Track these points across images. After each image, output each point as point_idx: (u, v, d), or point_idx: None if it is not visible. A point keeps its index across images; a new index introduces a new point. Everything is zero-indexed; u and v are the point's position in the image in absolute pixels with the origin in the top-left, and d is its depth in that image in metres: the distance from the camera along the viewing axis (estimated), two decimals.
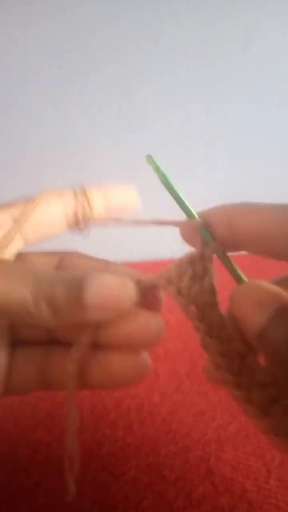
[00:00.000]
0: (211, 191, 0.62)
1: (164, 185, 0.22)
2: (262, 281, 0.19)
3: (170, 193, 0.22)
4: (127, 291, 0.19)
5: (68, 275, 0.18)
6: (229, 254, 0.22)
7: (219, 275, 0.22)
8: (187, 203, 0.22)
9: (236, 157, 0.60)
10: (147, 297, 0.21)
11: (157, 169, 0.22)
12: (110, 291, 0.18)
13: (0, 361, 0.22)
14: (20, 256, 0.24)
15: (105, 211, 0.25)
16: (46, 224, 0.24)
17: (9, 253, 0.23)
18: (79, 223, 0.25)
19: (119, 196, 0.27)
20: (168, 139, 0.57)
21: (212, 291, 0.20)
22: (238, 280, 0.21)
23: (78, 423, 0.22)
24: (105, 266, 0.24)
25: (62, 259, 0.25)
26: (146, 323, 0.20)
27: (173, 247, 0.65)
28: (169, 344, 0.41)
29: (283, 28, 0.53)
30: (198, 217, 0.21)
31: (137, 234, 0.64)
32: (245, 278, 0.21)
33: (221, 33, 0.52)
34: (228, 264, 0.21)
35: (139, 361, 0.21)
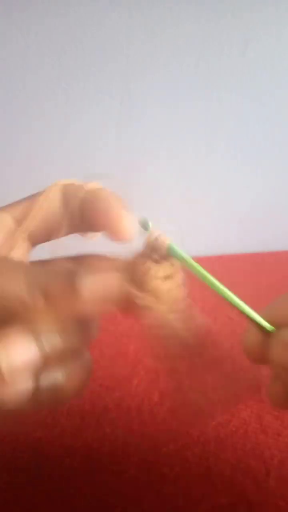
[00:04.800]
0: (211, 191, 0.62)
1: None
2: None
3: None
4: (122, 283, 0.19)
5: (62, 267, 0.19)
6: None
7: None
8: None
9: (236, 157, 0.60)
10: None
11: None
12: (106, 282, 0.18)
13: None
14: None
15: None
16: (52, 227, 0.22)
17: (16, 257, 0.22)
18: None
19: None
20: (168, 139, 0.57)
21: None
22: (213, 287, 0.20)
23: None
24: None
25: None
26: None
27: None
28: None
29: (282, 29, 0.54)
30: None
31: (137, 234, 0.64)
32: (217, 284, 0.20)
33: (220, 34, 0.52)
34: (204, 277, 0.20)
35: None
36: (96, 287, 0.18)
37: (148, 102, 0.54)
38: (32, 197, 0.23)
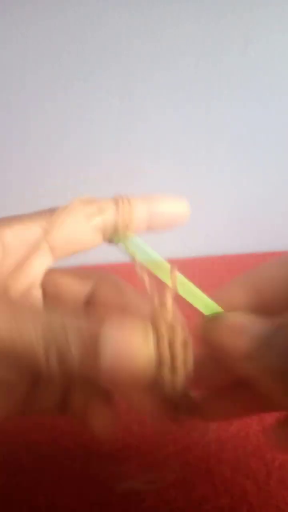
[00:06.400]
0: (211, 190, 0.62)
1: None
2: (237, 312, 0.19)
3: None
4: (146, 350, 0.16)
5: (83, 327, 0.16)
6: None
7: None
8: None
9: (236, 157, 0.60)
10: None
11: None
12: (128, 351, 0.15)
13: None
14: (48, 275, 0.22)
15: (147, 222, 0.23)
16: (77, 239, 0.21)
17: (37, 268, 0.21)
18: (117, 236, 0.22)
19: (166, 207, 0.24)
20: (168, 139, 0.57)
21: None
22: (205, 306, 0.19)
23: None
24: (136, 306, 0.21)
25: (94, 291, 0.23)
26: None
27: (173, 246, 0.65)
28: None
29: (283, 29, 0.53)
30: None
31: (137, 233, 0.63)
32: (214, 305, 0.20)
33: (221, 34, 0.52)
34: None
35: None
36: (121, 360, 0.15)
37: (148, 102, 0.54)
38: (53, 211, 0.22)
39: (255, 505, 0.27)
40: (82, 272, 0.23)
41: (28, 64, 0.50)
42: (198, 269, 0.59)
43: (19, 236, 0.20)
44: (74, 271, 0.23)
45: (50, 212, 0.22)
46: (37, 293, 0.22)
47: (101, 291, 0.23)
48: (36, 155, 0.54)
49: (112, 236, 0.22)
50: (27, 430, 0.32)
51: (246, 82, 0.56)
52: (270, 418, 0.33)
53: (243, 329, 0.17)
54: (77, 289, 0.23)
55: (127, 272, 0.21)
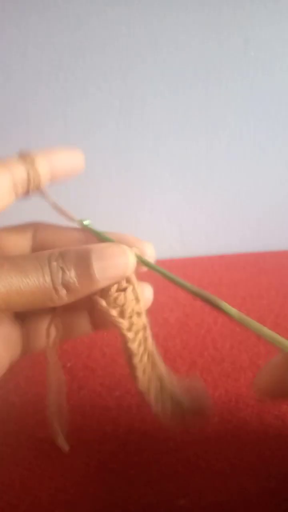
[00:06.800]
0: (212, 190, 0.62)
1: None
2: None
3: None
4: (129, 257, 0.21)
5: (74, 254, 0.20)
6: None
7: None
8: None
9: (237, 157, 0.60)
10: None
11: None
12: (115, 261, 0.21)
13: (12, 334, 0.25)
14: None
15: (50, 175, 0.25)
16: None
17: None
18: (28, 192, 0.24)
19: (64, 160, 0.26)
20: (168, 138, 0.57)
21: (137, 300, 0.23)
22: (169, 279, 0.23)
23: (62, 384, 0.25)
24: (82, 236, 0.25)
25: (35, 235, 0.26)
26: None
27: (173, 246, 0.65)
28: (168, 343, 0.42)
29: (283, 28, 0.54)
30: None
31: (137, 233, 0.64)
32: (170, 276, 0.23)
33: (220, 34, 0.52)
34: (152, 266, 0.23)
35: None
36: (108, 271, 0.21)
37: (148, 101, 0.54)
38: None
39: (254, 502, 0.27)
40: (13, 227, 0.26)
41: (27, 64, 0.50)
42: (198, 269, 0.60)
43: None
44: (5, 229, 0.26)
45: None
46: None
47: (42, 233, 0.26)
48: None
49: (25, 191, 0.24)
50: (29, 428, 0.32)
51: (246, 82, 0.56)
52: (270, 416, 0.33)
53: None
54: (19, 240, 0.25)
55: None
